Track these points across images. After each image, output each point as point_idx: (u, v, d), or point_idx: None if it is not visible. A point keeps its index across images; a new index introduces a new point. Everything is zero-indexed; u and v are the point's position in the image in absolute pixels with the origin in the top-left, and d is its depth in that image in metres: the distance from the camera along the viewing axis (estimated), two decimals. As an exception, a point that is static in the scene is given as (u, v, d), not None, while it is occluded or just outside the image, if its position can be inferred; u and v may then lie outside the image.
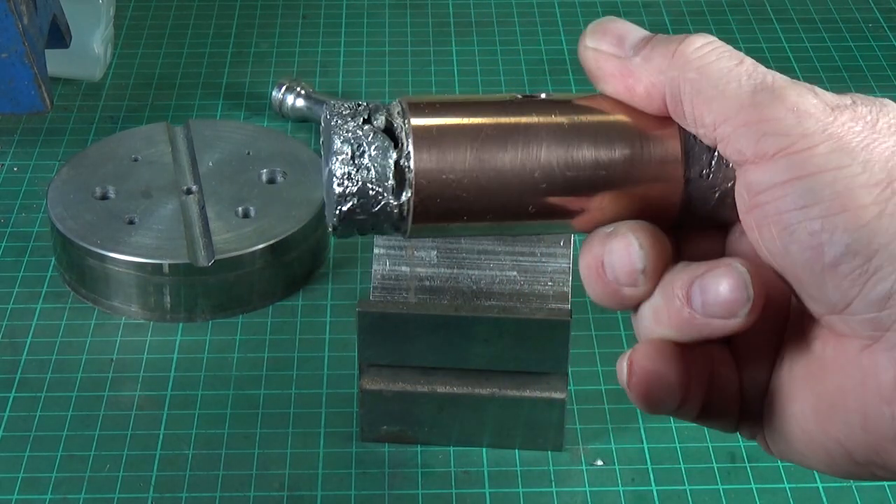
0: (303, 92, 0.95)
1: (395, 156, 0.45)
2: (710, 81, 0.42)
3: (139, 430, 0.71)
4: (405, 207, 0.45)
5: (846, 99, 0.43)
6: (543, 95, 0.47)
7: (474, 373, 0.67)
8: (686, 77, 0.43)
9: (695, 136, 0.44)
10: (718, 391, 0.44)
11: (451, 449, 0.70)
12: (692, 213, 0.46)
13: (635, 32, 0.45)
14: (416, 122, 0.46)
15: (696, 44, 0.43)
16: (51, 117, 0.97)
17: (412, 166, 0.45)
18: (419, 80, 1.02)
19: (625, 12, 1.12)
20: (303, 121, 0.96)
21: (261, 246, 0.78)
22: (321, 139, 0.46)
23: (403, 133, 0.45)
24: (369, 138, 0.45)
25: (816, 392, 0.42)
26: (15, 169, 0.91)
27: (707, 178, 0.45)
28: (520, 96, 0.47)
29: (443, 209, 0.46)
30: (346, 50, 1.06)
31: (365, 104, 0.46)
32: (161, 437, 0.70)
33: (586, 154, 0.45)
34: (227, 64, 1.04)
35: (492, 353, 0.66)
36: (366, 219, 0.46)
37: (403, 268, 0.66)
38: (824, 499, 0.67)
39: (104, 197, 0.82)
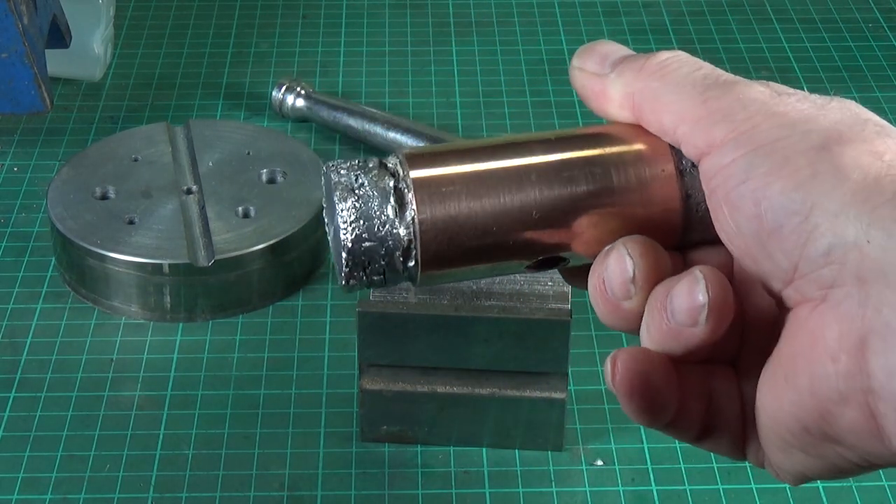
0: (303, 92, 0.95)
1: (399, 212, 0.46)
2: (668, 88, 0.44)
3: (139, 430, 0.71)
4: (414, 260, 0.46)
5: (800, 93, 0.44)
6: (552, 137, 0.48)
7: (474, 373, 0.67)
8: (649, 86, 0.45)
9: (690, 172, 0.45)
10: (720, 413, 0.44)
11: (451, 449, 0.70)
12: (695, 234, 0.47)
13: (617, 52, 0.47)
14: (416, 174, 0.46)
15: (661, 57, 0.45)
16: (51, 117, 0.97)
17: (417, 219, 0.46)
18: (419, 80, 1.02)
19: (625, 12, 1.12)
20: (303, 121, 0.96)
21: (261, 246, 0.78)
22: (323, 198, 0.47)
23: (405, 188, 0.46)
24: (372, 197, 0.46)
25: (774, 369, 0.42)
26: (15, 169, 0.91)
27: (704, 211, 0.45)
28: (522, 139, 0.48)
29: (451, 256, 0.47)
30: (346, 50, 1.06)
31: (364, 161, 0.47)
32: (161, 437, 0.70)
33: (580, 190, 0.46)
34: (227, 64, 1.04)
35: (492, 353, 0.66)
36: (376, 276, 0.47)
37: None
38: (824, 499, 0.67)
39: (104, 197, 0.82)
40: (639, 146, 0.47)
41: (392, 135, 0.91)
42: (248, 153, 0.86)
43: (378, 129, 0.92)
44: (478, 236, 0.47)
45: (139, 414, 0.72)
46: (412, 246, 0.46)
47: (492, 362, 0.66)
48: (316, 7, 1.12)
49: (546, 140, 0.48)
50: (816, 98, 0.43)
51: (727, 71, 0.45)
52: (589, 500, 0.67)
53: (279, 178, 0.84)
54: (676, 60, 0.45)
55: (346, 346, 0.76)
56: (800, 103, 0.43)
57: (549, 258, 0.46)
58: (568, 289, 0.66)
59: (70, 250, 0.79)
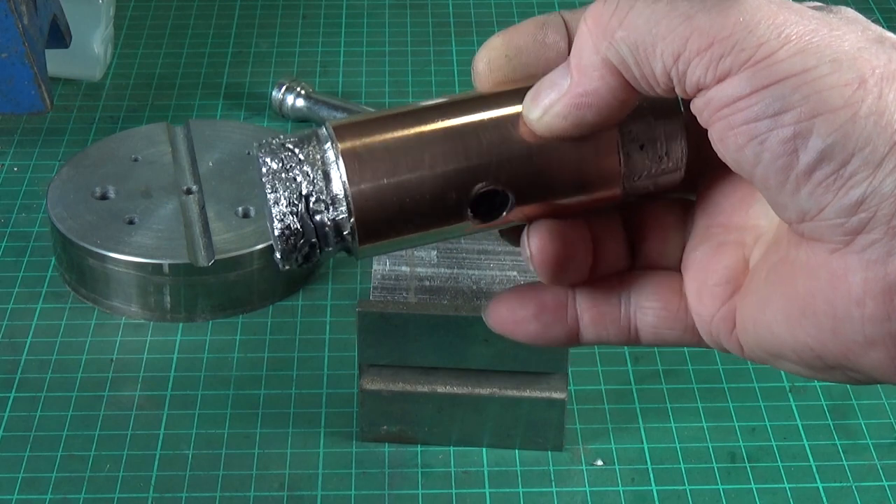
0: (303, 92, 0.95)
1: (328, 186, 0.45)
2: (640, 30, 0.40)
3: (139, 430, 0.71)
4: (349, 234, 0.45)
5: (795, 3, 0.41)
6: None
7: (474, 373, 0.67)
8: (616, 39, 0.41)
9: (632, 140, 0.44)
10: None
11: (451, 449, 0.70)
12: (636, 193, 0.46)
13: (556, 70, 0.43)
14: (344, 146, 0.45)
15: (600, 4, 0.41)
16: (51, 117, 0.97)
17: (348, 192, 0.45)
18: (419, 80, 1.02)
19: (625, 12, 1.12)
20: (303, 121, 0.96)
21: (261, 246, 0.78)
22: (260, 177, 0.46)
23: (334, 161, 0.45)
24: (300, 176, 0.46)
25: (787, 296, 0.42)
26: (15, 169, 0.91)
27: (646, 179, 0.45)
28: (446, 99, 0.47)
29: (387, 226, 0.46)
30: (346, 50, 1.06)
31: (293, 139, 0.46)
32: (161, 437, 0.70)
33: (520, 153, 0.45)
34: (227, 64, 1.04)
35: (492, 353, 0.66)
36: (312, 251, 0.46)
37: (403, 268, 0.66)
38: (824, 499, 0.67)
39: (104, 197, 0.82)
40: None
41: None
42: (249, 153, 0.86)
43: (378, 129, 0.92)
44: (412, 199, 0.45)
45: (139, 414, 0.72)
46: (346, 220, 0.45)
47: (492, 362, 0.66)
48: (316, 7, 1.12)
49: (470, 99, 0.46)
50: (815, 11, 0.41)
51: None
52: (589, 500, 0.67)
53: (279, 178, 0.84)
54: (625, 0, 0.41)
55: (346, 346, 0.76)
56: (807, 21, 0.40)
57: (486, 195, 0.45)
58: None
59: (70, 250, 0.79)
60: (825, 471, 0.68)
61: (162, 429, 0.71)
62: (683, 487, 0.67)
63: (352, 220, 0.45)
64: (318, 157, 0.45)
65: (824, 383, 0.74)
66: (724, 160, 0.41)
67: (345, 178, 0.45)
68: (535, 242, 0.45)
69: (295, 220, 0.45)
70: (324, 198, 0.45)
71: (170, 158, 0.85)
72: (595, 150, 0.44)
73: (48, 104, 0.85)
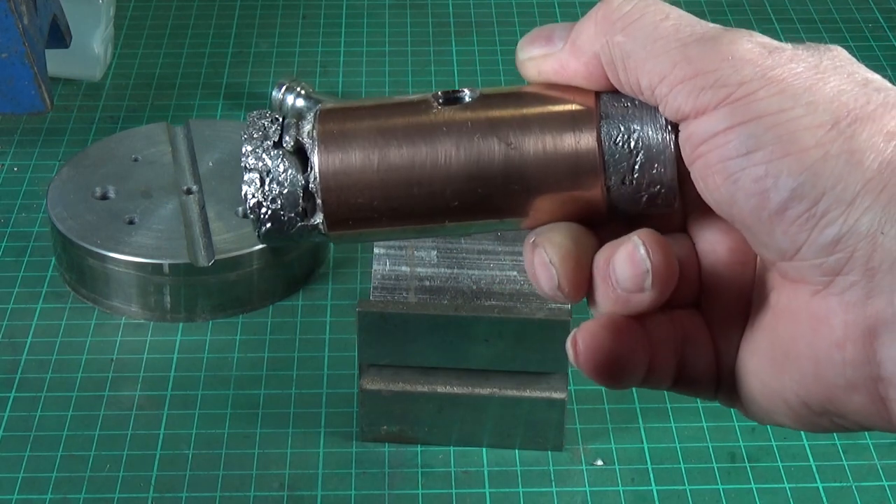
0: (303, 92, 0.95)
1: (301, 178, 0.46)
2: (637, 42, 0.41)
3: (139, 430, 0.71)
4: (320, 223, 0.46)
5: (785, 45, 0.41)
6: (467, 92, 0.47)
7: (474, 373, 0.67)
8: (614, 41, 0.42)
9: (616, 143, 0.44)
10: (692, 358, 0.44)
11: (451, 449, 0.70)
12: (623, 214, 0.45)
13: (559, 27, 0.45)
14: (324, 130, 0.46)
15: (615, 2, 0.42)
16: (51, 117, 0.97)
17: (319, 183, 0.46)
18: (419, 80, 1.02)
19: (625, 12, 1.12)
20: (303, 121, 0.96)
21: (261, 246, 0.78)
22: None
23: (311, 148, 0.46)
24: (276, 163, 0.46)
25: (771, 342, 0.41)
26: (15, 169, 0.91)
27: (631, 185, 0.44)
28: (440, 94, 0.47)
29: (358, 217, 0.46)
30: (345, 50, 1.06)
31: (278, 121, 0.47)
32: (161, 437, 0.70)
33: (495, 160, 0.45)
34: (227, 64, 1.04)
35: (492, 353, 0.66)
36: (286, 235, 0.47)
37: (403, 268, 0.66)
38: (824, 499, 0.67)
39: (104, 197, 0.82)
40: (566, 128, 0.45)
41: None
42: (248, 153, 0.86)
43: (378, 129, 0.92)
44: (381, 198, 0.46)
45: (139, 414, 0.72)
46: (316, 210, 0.46)
47: (492, 362, 0.66)
48: (316, 7, 1.12)
49: (472, 102, 0.46)
50: (807, 55, 0.41)
51: None
52: (589, 500, 0.67)
53: (279, 178, 0.84)
54: (636, 7, 0.42)
55: (346, 346, 0.76)
56: (794, 64, 0.40)
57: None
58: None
59: (70, 250, 0.79)
60: (825, 471, 0.68)
61: (162, 429, 0.71)
62: (683, 487, 0.67)
63: (321, 214, 0.46)
64: (297, 145, 0.46)
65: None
66: (705, 200, 0.41)
67: (318, 171, 0.45)
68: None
69: (268, 211, 0.46)
70: (296, 193, 0.46)
71: (170, 158, 0.85)
72: (574, 140, 0.44)
73: (48, 104, 0.85)
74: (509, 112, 0.46)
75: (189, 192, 0.83)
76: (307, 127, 0.47)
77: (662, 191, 0.44)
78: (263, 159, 0.47)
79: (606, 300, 0.42)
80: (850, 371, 0.39)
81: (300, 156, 0.46)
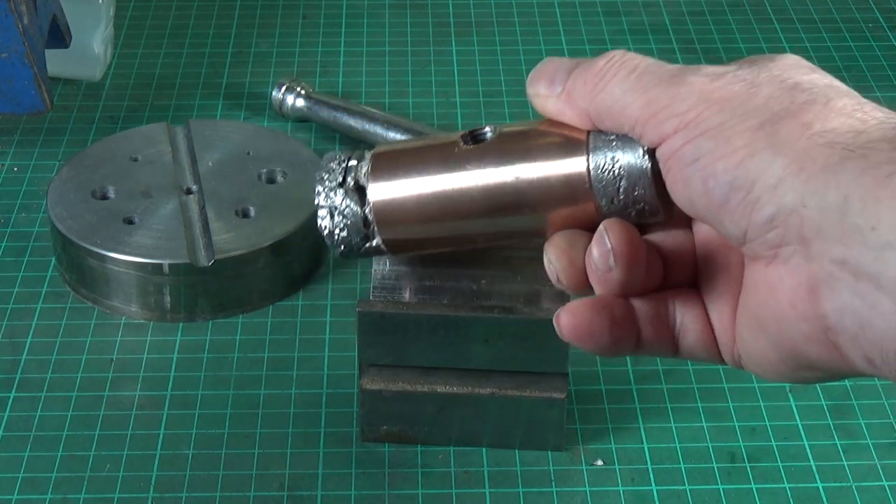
0: (303, 92, 0.95)
1: (360, 211, 0.59)
2: (614, 97, 0.51)
3: (139, 430, 0.71)
4: (380, 244, 0.60)
5: (731, 66, 0.50)
6: (488, 129, 0.57)
7: (474, 373, 0.67)
8: (597, 100, 0.52)
9: (602, 171, 0.54)
10: (687, 330, 0.53)
11: (451, 449, 0.70)
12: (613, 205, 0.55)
13: (561, 68, 0.54)
14: (375, 173, 0.59)
15: (597, 66, 0.52)
16: (51, 117, 0.97)
17: (373, 213, 0.59)
18: (419, 80, 1.02)
19: (625, 12, 1.12)
20: (303, 121, 0.96)
21: (261, 246, 0.78)
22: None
23: (366, 186, 0.59)
24: (341, 200, 0.60)
25: (748, 312, 0.50)
26: (15, 169, 0.91)
27: (619, 204, 0.54)
28: (468, 133, 0.58)
29: (409, 242, 0.60)
30: (345, 50, 1.06)
31: (343, 164, 0.61)
32: (161, 437, 0.70)
33: (506, 189, 0.56)
34: (227, 64, 1.04)
35: (492, 354, 0.66)
36: (357, 254, 0.61)
37: (403, 267, 0.66)
38: (824, 499, 0.67)
39: (104, 197, 0.82)
40: (560, 164, 0.55)
41: (392, 135, 0.91)
42: (248, 153, 0.86)
43: (378, 129, 0.92)
44: (424, 226, 0.59)
45: (139, 414, 0.72)
46: (374, 236, 0.60)
47: (492, 362, 0.66)
48: (316, 7, 1.12)
49: (490, 147, 0.57)
50: (747, 74, 0.49)
51: None
52: (589, 500, 0.67)
53: (279, 178, 0.84)
54: (611, 67, 0.51)
55: (346, 346, 0.76)
56: (733, 85, 0.49)
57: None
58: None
59: (70, 250, 0.79)
60: (825, 471, 0.68)
61: (162, 429, 0.71)
62: (683, 487, 0.67)
63: (378, 239, 0.60)
64: (357, 184, 0.60)
65: (824, 383, 0.74)
66: (680, 206, 0.50)
67: (371, 204, 0.59)
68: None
69: (337, 237, 0.61)
70: (357, 222, 0.60)
71: (170, 158, 0.85)
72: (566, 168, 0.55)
73: (48, 104, 0.85)
74: (518, 148, 0.56)
75: (189, 192, 0.83)
76: (364, 168, 0.60)
77: (646, 207, 0.53)
78: (331, 197, 0.60)
79: (593, 282, 0.52)
80: (805, 326, 0.46)
81: (360, 192, 0.59)
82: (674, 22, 1.10)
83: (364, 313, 0.65)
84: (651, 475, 0.68)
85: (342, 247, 0.60)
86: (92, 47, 0.98)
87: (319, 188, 0.60)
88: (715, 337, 0.53)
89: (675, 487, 0.67)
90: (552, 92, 0.54)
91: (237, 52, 1.06)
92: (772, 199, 0.46)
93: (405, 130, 0.91)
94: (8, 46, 0.82)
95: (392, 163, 0.59)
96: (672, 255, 0.54)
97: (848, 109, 0.47)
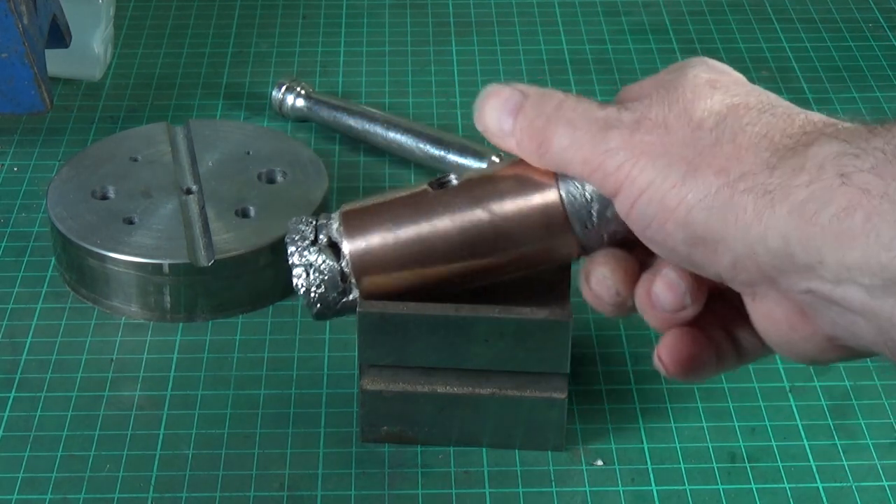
0: (303, 92, 0.95)
1: (337, 265, 0.61)
2: (559, 160, 0.54)
3: (139, 430, 0.71)
4: (357, 297, 0.62)
5: (643, 103, 0.52)
6: (452, 177, 0.59)
7: (474, 373, 0.67)
8: (544, 162, 0.55)
9: (574, 197, 0.56)
10: (740, 333, 0.55)
11: (451, 449, 0.70)
12: (592, 251, 0.58)
13: (507, 107, 0.56)
14: (348, 226, 0.60)
15: (538, 125, 0.54)
16: (51, 117, 0.97)
17: (350, 266, 0.60)
18: (419, 80, 1.02)
19: (625, 12, 1.12)
20: (303, 121, 0.96)
21: (261, 246, 0.78)
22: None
23: (340, 241, 0.60)
24: (316, 257, 0.61)
25: (764, 335, 0.52)
26: (15, 169, 0.91)
27: (593, 228, 0.56)
28: (434, 181, 0.60)
29: (388, 292, 0.62)
30: (345, 50, 1.06)
31: (312, 223, 0.62)
32: (161, 437, 0.70)
33: (483, 226, 0.58)
34: (227, 64, 1.04)
35: (492, 354, 0.66)
36: (334, 311, 0.62)
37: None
38: (824, 499, 0.67)
39: (104, 197, 0.82)
40: (534, 196, 0.57)
41: (392, 135, 0.91)
42: (248, 153, 0.86)
43: (378, 129, 0.92)
44: (400, 273, 0.61)
45: (139, 414, 0.72)
46: (352, 290, 0.62)
47: (492, 362, 0.66)
48: (316, 7, 1.12)
49: (460, 187, 0.59)
50: (658, 115, 0.51)
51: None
52: (589, 500, 0.67)
53: (279, 178, 0.84)
54: (549, 124, 0.54)
55: (346, 346, 0.76)
56: (650, 135, 0.50)
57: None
58: (568, 289, 0.66)
59: (70, 250, 0.79)
60: (825, 471, 0.68)
61: (162, 429, 0.71)
62: (683, 487, 0.67)
63: (356, 293, 0.62)
64: (330, 241, 0.61)
65: (824, 383, 0.74)
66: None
67: (349, 259, 0.61)
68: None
69: (315, 294, 0.62)
70: (334, 278, 0.61)
71: (170, 158, 0.85)
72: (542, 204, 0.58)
73: (48, 104, 0.85)
74: (487, 188, 0.58)
75: (189, 192, 0.83)
76: (335, 225, 0.61)
77: (619, 229, 0.55)
78: (305, 255, 0.61)
79: (656, 321, 0.55)
80: (812, 342, 0.49)
81: (333, 248, 0.60)
82: (674, 22, 1.10)
83: (364, 313, 0.65)
84: (651, 475, 0.68)
85: (318, 305, 0.61)
86: (92, 47, 0.98)
87: (292, 248, 0.61)
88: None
89: (675, 487, 0.67)
90: (502, 134, 0.56)
91: (237, 52, 1.06)
92: (726, 249, 0.48)
93: (405, 130, 0.91)
94: (8, 46, 0.82)
95: (363, 215, 0.60)
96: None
97: (755, 139, 0.49)
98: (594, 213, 0.56)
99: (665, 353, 0.54)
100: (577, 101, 0.54)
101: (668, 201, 0.49)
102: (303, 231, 0.61)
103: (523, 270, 0.60)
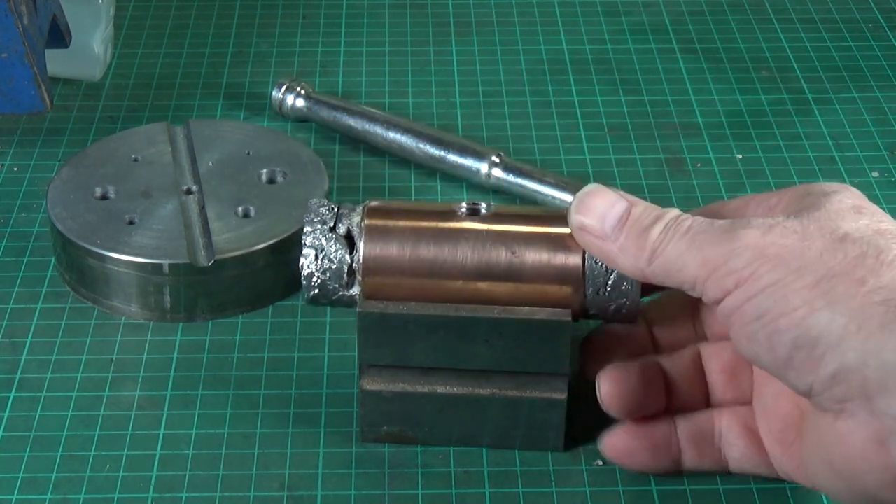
0: (303, 92, 0.95)
1: (348, 258, 0.61)
2: (671, 265, 0.54)
3: (139, 430, 0.71)
4: (356, 294, 0.62)
5: (779, 216, 0.53)
6: (484, 205, 0.61)
7: (474, 373, 0.67)
8: (651, 269, 0.56)
9: (596, 263, 0.59)
10: (733, 447, 0.62)
11: (451, 449, 0.70)
12: (592, 317, 0.62)
13: (614, 211, 0.56)
14: (370, 223, 0.61)
15: (653, 236, 0.55)
16: (51, 117, 0.97)
17: (361, 264, 0.61)
18: (419, 80, 1.02)
19: (625, 12, 1.12)
20: (303, 121, 0.96)
21: (261, 246, 0.78)
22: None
23: (358, 236, 0.61)
24: (330, 243, 0.61)
25: (820, 457, 0.53)
26: (15, 169, 0.92)
27: (604, 296, 0.59)
28: (464, 205, 0.61)
29: (386, 294, 0.62)
30: (345, 50, 1.06)
31: (334, 210, 0.62)
32: (161, 437, 0.70)
33: (501, 264, 0.61)
34: (227, 64, 1.04)
35: (492, 354, 0.66)
36: (328, 300, 0.63)
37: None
38: (824, 499, 0.67)
39: (104, 197, 0.82)
40: (559, 250, 0.60)
41: (392, 135, 0.91)
42: (248, 153, 0.86)
43: (378, 129, 0.92)
44: (406, 282, 0.61)
45: (139, 414, 0.72)
46: (355, 285, 0.62)
47: (492, 363, 0.66)
48: (316, 7, 1.12)
49: (491, 216, 0.62)
50: (797, 225, 0.52)
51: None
52: (589, 500, 0.67)
53: (279, 178, 0.84)
54: (666, 234, 0.54)
55: (346, 346, 0.76)
56: (785, 239, 0.51)
57: None
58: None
59: (70, 250, 0.79)
60: (825, 471, 0.68)
61: (162, 429, 0.71)
62: (683, 487, 0.67)
63: (360, 289, 0.63)
64: (348, 232, 0.62)
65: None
66: (747, 360, 0.54)
67: (361, 253, 0.61)
68: (605, 388, 0.61)
69: (318, 280, 0.62)
70: (342, 269, 0.62)
71: (170, 158, 0.85)
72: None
73: (48, 104, 0.85)
74: (516, 228, 0.61)
75: (189, 192, 0.83)
76: (356, 218, 0.61)
77: (627, 303, 0.59)
78: (320, 239, 0.61)
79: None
80: (878, 475, 0.50)
81: (349, 240, 0.61)
82: (674, 22, 1.10)
83: (364, 313, 0.65)
84: (651, 475, 0.68)
85: (317, 290, 0.62)
86: (92, 47, 0.98)
87: (308, 228, 0.61)
88: (765, 449, 0.58)
89: (675, 487, 0.67)
90: (602, 237, 0.57)
91: (237, 52, 1.06)
92: (834, 357, 0.49)
93: (405, 130, 0.91)
94: (8, 46, 0.82)
95: (387, 218, 0.61)
96: (683, 376, 0.61)
97: None
98: (609, 283, 0.59)
99: (609, 436, 0.62)
100: (686, 214, 0.55)
101: (792, 299, 0.50)
102: (323, 215, 0.61)
103: (520, 305, 0.63)
